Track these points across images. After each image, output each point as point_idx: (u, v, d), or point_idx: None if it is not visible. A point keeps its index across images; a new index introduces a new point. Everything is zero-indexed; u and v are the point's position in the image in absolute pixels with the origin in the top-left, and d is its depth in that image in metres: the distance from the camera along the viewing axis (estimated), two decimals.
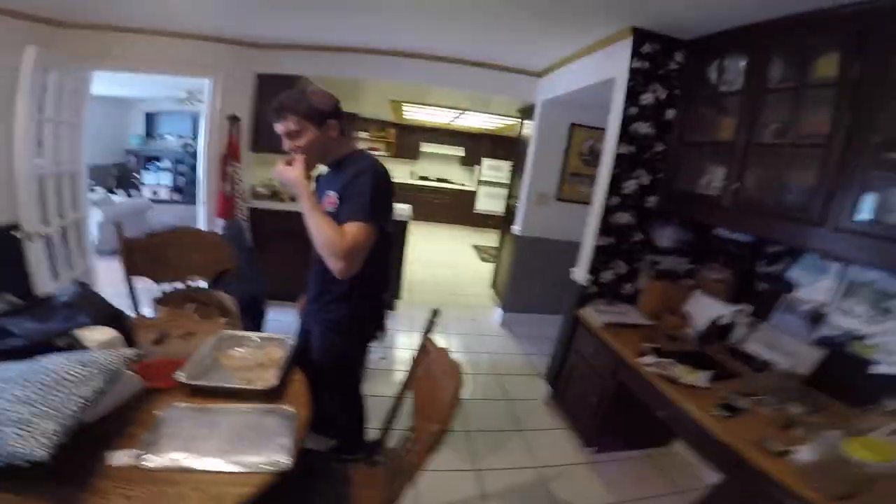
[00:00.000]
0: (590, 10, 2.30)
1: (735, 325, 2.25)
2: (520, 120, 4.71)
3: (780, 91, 1.92)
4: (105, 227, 4.64)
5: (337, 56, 3.69)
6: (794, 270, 2.08)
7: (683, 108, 2.46)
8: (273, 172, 1.59)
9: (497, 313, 4.40)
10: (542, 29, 2.69)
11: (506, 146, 8.69)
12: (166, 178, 5.74)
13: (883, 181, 1.52)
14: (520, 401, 3.02)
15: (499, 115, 6.02)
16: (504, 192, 5.89)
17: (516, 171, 4.61)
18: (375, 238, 1.46)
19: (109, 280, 3.42)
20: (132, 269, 2.24)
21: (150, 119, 6.31)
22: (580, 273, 2.75)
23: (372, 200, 1.44)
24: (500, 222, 5.15)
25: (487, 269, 5.92)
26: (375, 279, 1.64)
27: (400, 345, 3.53)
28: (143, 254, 2.29)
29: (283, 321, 3.45)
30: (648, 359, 2.02)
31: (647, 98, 2.46)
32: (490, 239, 7.64)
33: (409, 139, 9.40)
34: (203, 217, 3.83)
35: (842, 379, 1.77)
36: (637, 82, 2.43)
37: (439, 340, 1.46)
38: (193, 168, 4.06)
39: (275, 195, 4.04)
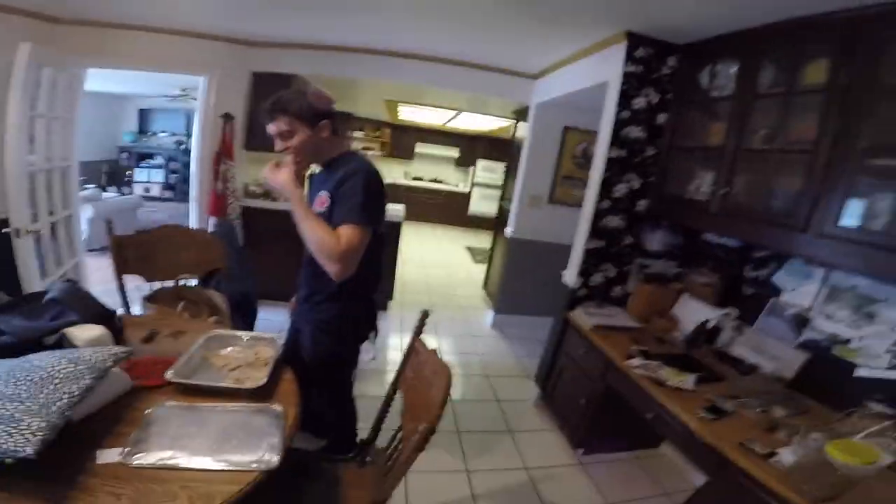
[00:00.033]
0: (585, 14, 2.32)
1: (722, 328, 2.28)
2: (514, 122, 4.74)
3: (769, 97, 1.95)
4: (95, 224, 4.61)
5: (334, 55, 3.69)
6: (779, 275, 2.11)
7: (675, 113, 2.49)
8: (262, 174, 1.60)
9: (489, 315, 4.42)
10: (538, 32, 2.71)
11: (500, 148, 8.72)
12: (159, 176, 5.70)
13: (868, 187, 1.55)
14: (510, 402, 3.03)
15: (494, 116, 6.04)
16: (498, 193, 5.91)
17: (510, 173, 4.64)
18: (369, 239, 1.47)
19: (99, 277, 3.41)
20: (122, 267, 2.23)
21: (144, 116, 6.26)
22: (571, 275, 2.77)
23: (364, 202, 1.44)
24: (494, 224, 5.17)
25: (480, 270, 5.94)
26: (367, 280, 1.64)
27: (391, 345, 3.53)
28: (133, 251, 2.29)
29: (273, 320, 3.46)
30: (636, 361, 2.05)
31: (639, 102, 2.48)
32: (483, 241, 7.66)
33: (403, 139, 9.41)
34: (195, 215, 3.81)
35: (825, 382, 1.81)
36: (630, 86, 2.45)
37: (430, 341, 1.46)
38: (186, 166, 4.04)
39: (267, 194, 4.03)
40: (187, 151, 3.98)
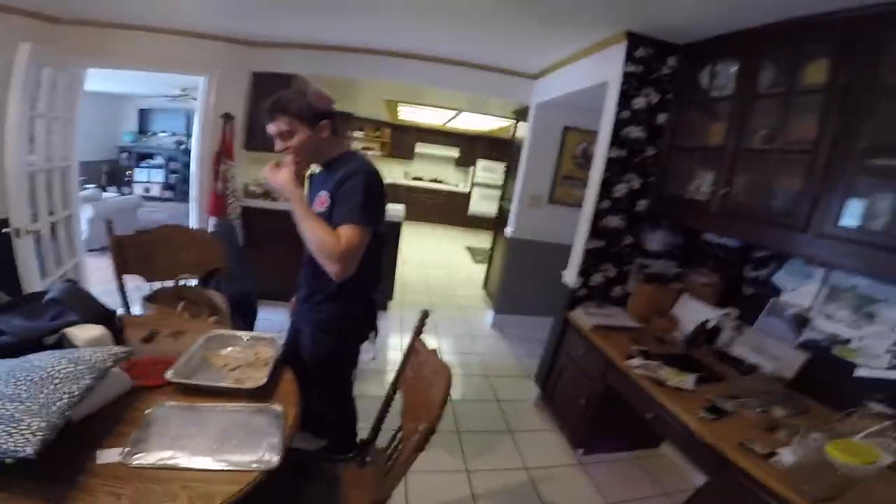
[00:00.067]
0: (585, 14, 2.32)
1: (722, 328, 2.28)
2: (514, 122, 4.74)
3: (769, 97, 1.95)
4: (95, 224, 4.61)
5: (334, 55, 3.69)
6: (779, 275, 2.11)
7: (675, 113, 2.49)
8: (262, 174, 1.60)
9: (489, 315, 4.42)
10: (538, 32, 2.71)
11: (500, 148, 8.72)
12: (159, 176, 5.69)
13: (868, 187, 1.55)
14: (510, 402, 3.03)
15: (494, 116, 6.04)
16: (498, 194, 5.91)
17: (510, 174, 4.64)
18: (369, 239, 1.47)
19: (99, 277, 3.41)
20: (122, 267, 2.24)
21: (144, 116, 6.25)
22: (571, 275, 2.77)
23: (364, 202, 1.44)
24: (494, 224, 5.17)
25: (480, 270, 5.93)
26: (367, 280, 1.64)
27: (391, 345, 3.53)
28: (133, 251, 2.29)
29: (273, 320, 3.46)
30: (636, 361, 2.05)
31: (639, 102, 2.48)
32: (483, 241, 7.66)
33: (403, 139, 9.41)
34: (195, 215, 3.81)
35: (825, 382, 1.81)
36: (630, 86, 2.45)
37: (430, 341, 1.47)
38: (186, 166, 4.04)
39: (268, 194, 4.03)
40: (187, 151, 3.99)
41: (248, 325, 3.05)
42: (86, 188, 4.89)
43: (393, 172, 9.37)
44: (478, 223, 9.51)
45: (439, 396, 1.15)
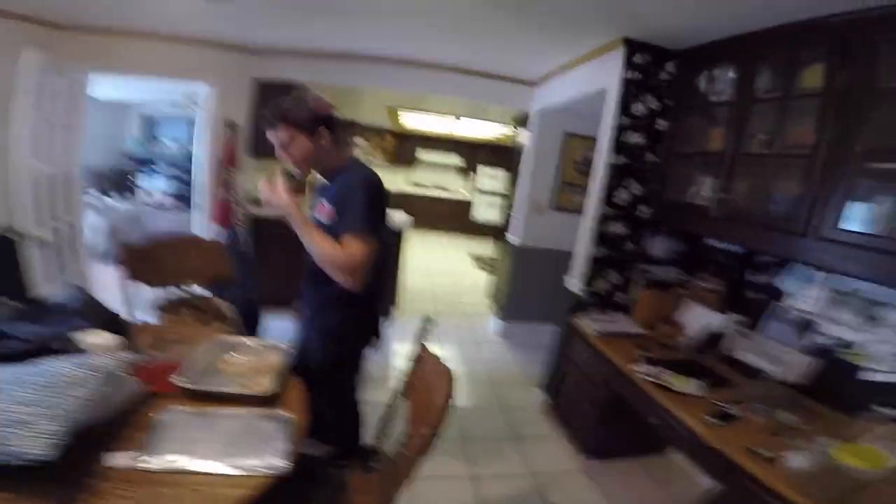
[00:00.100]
0: (582, 21, 2.35)
1: (726, 333, 2.28)
2: (516, 128, 4.76)
3: (767, 101, 1.96)
4: (101, 231, 4.63)
5: (334, 63, 3.73)
6: (782, 279, 2.11)
7: (674, 119, 2.51)
8: (259, 194, 1.57)
9: (494, 322, 4.42)
10: (536, 39, 2.74)
11: (503, 155, 8.73)
12: (163, 183, 5.71)
13: (867, 190, 1.55)
14: (516, 409, 3.02)
15: (495, 122, 6.08)
16: (502, 201, 5.93)
17: (513, 181, 4.65)
18: (375, 248, 1.48)
19: (106, 284, 3.42)
20: (129, 274, 2.26)
21: (148, 123, 6.30)
22: (574, 282, 2.77)
23: (368, 212, 1.46)
24: (498, 231, 5.18)
25: (485, 277, 5.94)
26: (370, 286, 1.66)
27: (395, 352, 3.53)
28: (139, 259, 2.31)
29: (280, 327, 3.46)
30: (641, 367, 2.04)
31: (638, 108, 2.50)
32: (488, 248, 7.66)
33: (406, 147, 9.45)
34: (199, 223, 3.84)
35: (832, 386, 1.80)
36: (629, 93, 2.47)
37: (436, 348, 1.47)
38: (191, 173, 4.08)
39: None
40: (192, 159, 4.02)
41: (255, 331, 3.06)
42: (91, 195, 4.91)
43: (396, 180, 9.38)
44: (482, 230, 9.51)
45: (442, 400, 1.16)
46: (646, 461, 2.58)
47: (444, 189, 9.85)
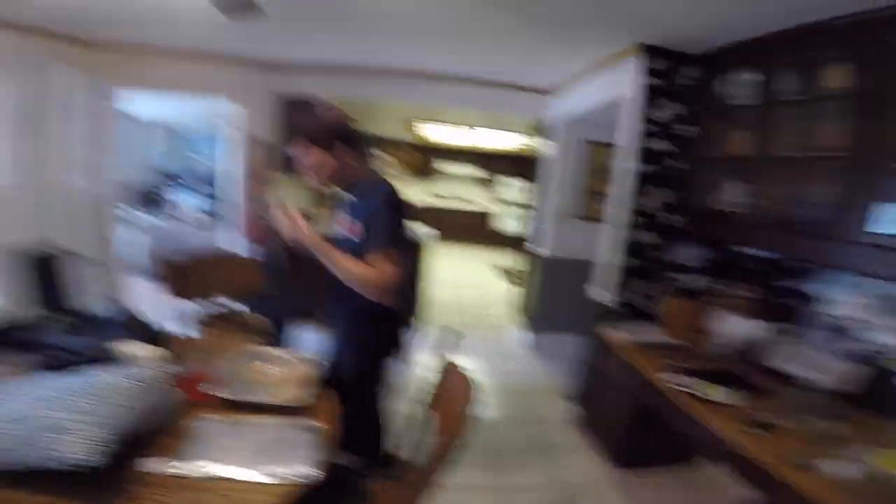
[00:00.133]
0: (597, 28, 2.34)
1: (762, 341, 2.20)
2: (537, 138, 4.76)
3: (792, 103, 1.91)
4: (142, 249, 4.82)
5: (352, 77, 3.81)
6: (820, 285, 2.03)
7: (698, 124, 2.47)
8: (281, 229, 1.60)
9: (522, 334, 4.38)
10: (550, 48, 2.75)
11: (524, 165, 8.68)
12: (193, 199, 5.84)
13: None
14: (544, 419, 2.99)
15: (515, 132, 6.09)
16: (525, 211, 5.91)
17: (536, 191, 4.64)
18: (401, 261, 1.51)
19: (148, 299, 3.57)
20: (169, 289, 2.36)
21: (178, 140, 6.51)
22: (602, 293, 2.74)
23: (391, 227, 1.50)
24: (522, 242, 5.15)
25: (511, 289, 5.90)
26: (396, 299, 1.68)
27: (420, 363, 3.54)
28: (179, 274, 2.42)
29: (311, 339, 3.53)
30: (673, 377, 1.99)
31: (660, 114, 2.47)
32: (513, 259, 7.62)
33: (426, 159, 9.46)
34: (233, 239, 3.95)
35: (874, 393, 1.71)
36: (649, 98, 2.45)
37: (463, 361, 1.49)
38: (223, 190, 4.21)
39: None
40: (223, 175, 4.16)
41: (287, 344, 3.13)
42: (128, 212, 5.07)
43: (417, 192, 9.41)
44: (506, 241, 9.44)
45: (464, 410, 1.17)
46: (676, 471, 2.50)
47: (464, 200, 9.86)
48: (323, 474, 1.11)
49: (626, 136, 2.56)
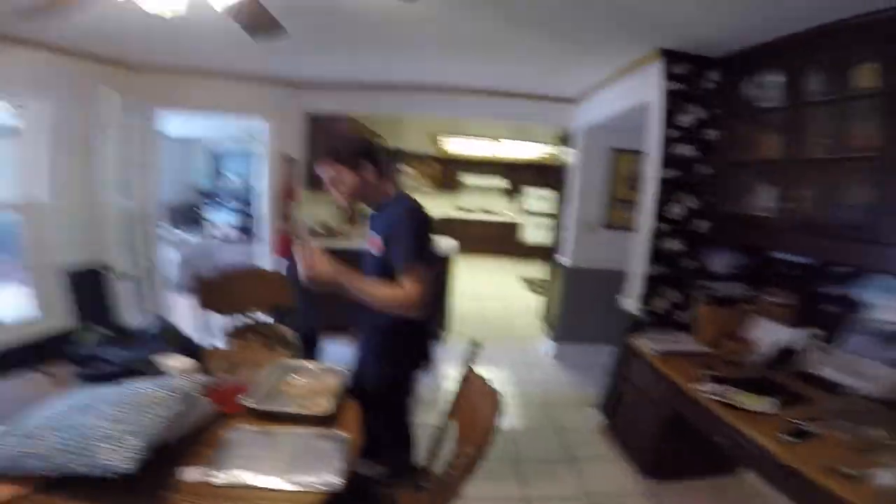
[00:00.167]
0: (617, 37, 2.35)
1: (801, 348, 2.12)
2: (561, 147, 4.75)
3: (822, 104, 1.86)
4: (178, 265, 5.01)
5: (377, 94, 3.90)
6: (863, 290, 1.94)
7: (725, 128, 2.42)
8: (301, 273, 1.58)
9: (548, 344, 4.33)
10: (572, 57, 2.76)
11: (550, 175, 8.63)
12: (228, 216, 6.01)
13: None
14: (570, 430, 2.94)
15: (540, 142, 6.08)
16: (550, 221, 5.87)
17: (562, 200, 4.61)
18: (429, 276, 1.53)
19: (181, 312, 3.71)
20: (204, 304, 2.45)
21: (214, 158, 6.73)
22: (631, 302, 2.69)
23: (417, 245, 1.52)
24: (548, 253, 5.11)
25: (537, 300, 5.85)
26: (424, 312, 1.70)
27: (446, 375, 3.54)
28: (212, 289, 2.51)
29: (337, 352, 3.58)
30: (707, 386, 1.94)
31: (685, 119, 2.43)
32: (538, 270, 7.56)
33: (451, 172, 9.50)
34: (264, 255, 4.07)
35: None
36: (673, 104, 2.42)
37: (488, 372, 1.49)
38: (256, 207, 4.34)
39: (330, 233, 4.24)
40: (257, 192, 4.29)
41: (316, 356, 3.18)
42: (168, 230, 5.27)
43: (442, 205, 9.45)
44: (531, 252, 9.36)
45: (487, 421, 1.17)
46: (715, 481, 2.41)
47: (489, 212, 9.85)
48: (347, 483, 1.12)
49: (652, 142, 2.53)
